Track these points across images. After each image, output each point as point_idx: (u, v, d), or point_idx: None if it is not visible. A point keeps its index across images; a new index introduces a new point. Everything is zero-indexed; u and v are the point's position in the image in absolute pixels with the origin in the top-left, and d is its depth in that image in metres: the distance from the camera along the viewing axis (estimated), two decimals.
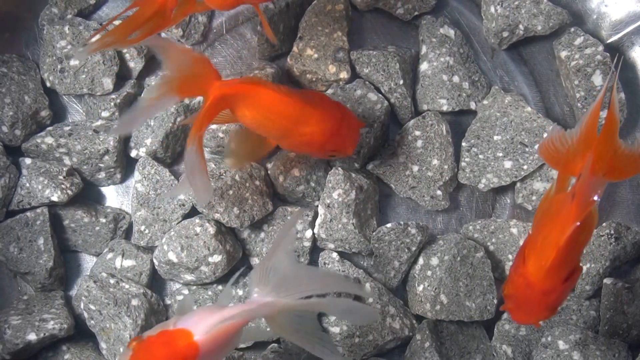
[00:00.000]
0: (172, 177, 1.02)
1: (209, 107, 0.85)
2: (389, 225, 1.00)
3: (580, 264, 0.91)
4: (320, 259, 1.01)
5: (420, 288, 1.00)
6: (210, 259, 0.97)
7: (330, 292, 0.87)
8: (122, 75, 1.05)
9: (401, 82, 1.03)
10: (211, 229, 0.98)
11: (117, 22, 0.92)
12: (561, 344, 0.97)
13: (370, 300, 0.99)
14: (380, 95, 1.03)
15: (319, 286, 0.79)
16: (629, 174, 0.82)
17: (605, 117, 0.80)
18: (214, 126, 1.01)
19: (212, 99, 0.84)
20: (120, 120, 0.98)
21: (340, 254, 1.01)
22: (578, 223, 0.73)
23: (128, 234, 1.05)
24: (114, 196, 1.06)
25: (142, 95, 1.00)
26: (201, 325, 0.74)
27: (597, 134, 0.79)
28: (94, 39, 0.88)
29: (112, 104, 1.03)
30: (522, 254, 0.79)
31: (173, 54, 0.83)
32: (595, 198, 0.74)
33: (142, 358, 0.74)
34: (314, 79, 1.05)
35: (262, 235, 1.01)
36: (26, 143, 1.02)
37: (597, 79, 1.02)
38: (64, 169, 1.00)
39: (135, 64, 1.05)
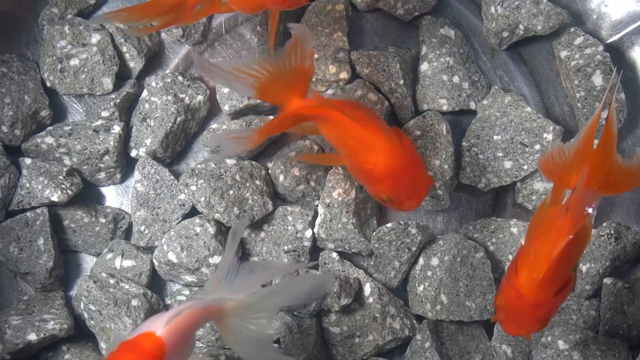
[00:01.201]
0: (172, 177, 1.02)
1: (280, 120, 0.86)
2: (389, 225, 1.00)
3: (574, 271, 0.92)
4: (320, 259, 1.01)
5: (421, 288, 1.00)
6: (210, 260, 0.97)
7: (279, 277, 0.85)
8: (122, 75, 1.05)
9: (401, 82, 1.03)
10: (211, 229, 0.98)
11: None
12: (561, 344, 0.97)
13: (319, 272, 0.99)
14: (381, 95, 1.04)
15: (265, 275, 0.79)
16: (624, 188, 0.82)
17: (603, 131, 0.79)
18: (214, 126, 1.01)
19: (284, 114, 0.86)
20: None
21: (340, 254, 1.01)
22: (571, 236, 0.73)
23: (128, 234, 1.05)
24: (114, 196, 1.06)
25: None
26: (158, 322, 0.73)
27: (593, 147, 0.78)
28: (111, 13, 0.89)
29: (112, 103, 1.03)
30: (514, 265, 0.79)
31: (285, 53, 0.83)
32: (590, 211, 0.74)
33: None
34: (314, 79, 1.05)
35: (262, 235, 1.01)
36: (26, 143, 1.02)
37: (597, 79, 1.02)
38: (64, 169, 1.00)
39: (135, 64, 1.05)
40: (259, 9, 0.90)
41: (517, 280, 0.77)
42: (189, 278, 0.99)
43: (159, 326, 0.72)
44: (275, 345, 0.96)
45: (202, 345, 0.98)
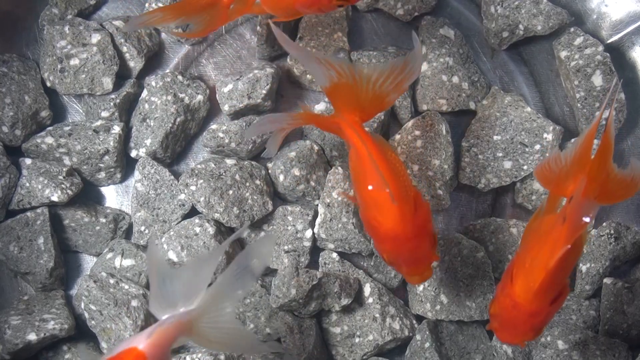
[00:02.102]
0: (172, 177, 1.02)
1: (327, 123, 0.87)
2: None
3: (569, 279, 0.92)
4: (320, 259, 1.01)
5: (421, 288, 1.00)
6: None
7: (217, 267, 0.83)
8: (122, 75, 1.05)
9: None
10: (211, 229, 0.98)
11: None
12: (561, 344, 0.97)
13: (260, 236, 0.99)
14: None
15: (206, 271, 0.78)
16: (620, 198, 0.82)
17: (600, 141, 0.79)
18: (214, 126, 1.01)
19: (334, 121, 0.85)
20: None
21: (340, 254, 1.01)
22: (568, 246, 0.72)
23: (128, 234, 1.05)
24: (114, 196, 1.06)
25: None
26: (139, 338, 0.73)
27: (590, 157, 0.78)
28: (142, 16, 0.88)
29: (111, 103, 1.03)
30: (509, 274, 0.78)
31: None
32: (587, 220, 0.74)
33: None
34: (314, 79, 1.05)
35: (262, 235, 1.01)
36: (26, 143, 1.02)
37: (597, 79, 1.02)
38: (64, 169, 1.00)
39: (135, 64, 1.05)
40: (289, 12, 0.89)
41: (513, 289, 0.77)
42: None
43: (141, 341, 0.72)
44: (248, 329, 0.96)
45: None
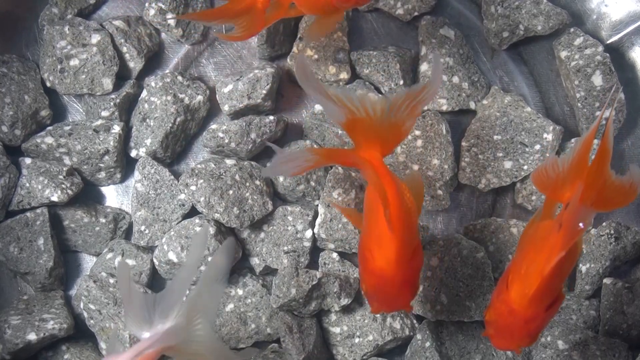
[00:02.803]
0: (172, 177, 1.01)
1: (345, 158, 0.85)
2: None
3: (565, 288, 0.91)
4: (320, 259, 1.01)
5: (421, 288, 1.00)
6: (210, 259, 0.97)
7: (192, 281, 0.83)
8: (121, 75, 1.05)
9: (401, 82, 1.03)
10: (211, 229, 0.98)
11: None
12: (561, 344, 0.97)
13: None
14: (381, 95, 1.04)
15: (182, 287, 0.78)
16: (617, 205, 0.82)
17: (598, 147, 0.79)
18: (214, 126, 1.01)
19: (352, 156, 0.83)
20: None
21: (340, 254, 1.01)
22: (564, 253, 0.72)
23: (128, 234, 1.05)
24: (114, 196, 1.06)
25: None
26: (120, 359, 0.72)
27: (588, 163, 0.78)
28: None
29: (111, 103, 1.03)
30: (505, 280, 0.78)
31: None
32: (582, 226, 0.74)
33: None
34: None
35: (262, 235, 1.01)
36: (26, 143, 1.02)
37: (597, 79, 1.02)
38: (64, 168, 1.00)
39: (135, 64, 1.05)
40: (327, 9, 0.89)
41: (508, 296, 0.77)
42: None
43: None
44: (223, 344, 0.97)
45: None
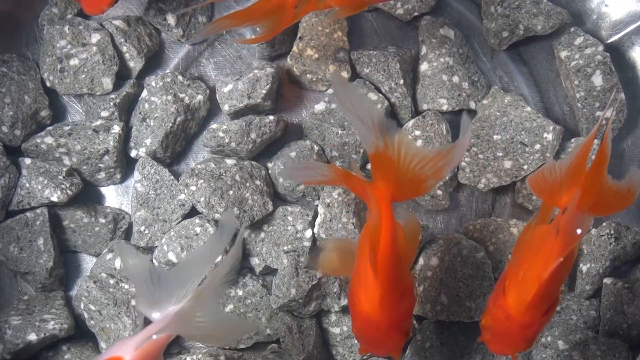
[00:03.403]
0: (172, 177, 1.01)
1: (359, 188, 0.82)
2: None
3: (563, 288, 0.91)
4: None
5: (421, 289, 1.00)
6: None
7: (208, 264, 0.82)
8: (121, 75, 1.05)
9: (401, 82, 1.03)
10: (211, 229, 0.98)
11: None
12: (561, 344, 0.97)
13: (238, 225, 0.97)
14: (381, 95, 1.04)
15: (195, 270, 0.77)
16: (614, 209, 0.81)
17: (597, 153, 0.79)
18: (214, 125, 1.01)
19: (367, 190, 0.80)
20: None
21: None
22: (562, 259, 0.72)
23: (128, 234, 1.05)
24: (114, 196, 1.06)
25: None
26: (126, 347, 0.72)
27: (586, 168, 0.78)
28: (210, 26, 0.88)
29: (111, 103, 1.03)
30: (502, 285, 0.78)
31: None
32: (579, 231, 0.73)
33: None
34: (314, 79, 1.05)
35: (262, 235, 1.01)
36: (26, 143, 1.02)
37: (597, 79, 1.02)
38: (64, 169, 1.00)
39: (134, 64, 1.05)
40: (357, 3, 0.88)
41: (505, 301, 0.76)
42: None
43: (127, 352, 0.72)
44: (234, 316, 0.97)
45: (201, 345, 0.98)
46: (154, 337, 0.73)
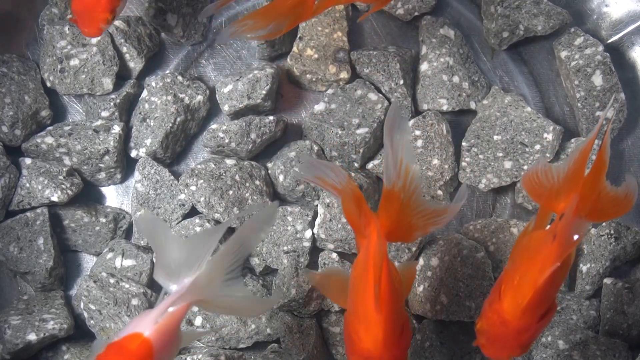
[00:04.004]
0: (172, 177, 1.02)
1: (360, 227, 0.80)
2: None
3: (563, 288, 0.90)
4: (319, 259, 1.01)
5: (421, 288, 1.00)
6: (209, 259, 0.97)
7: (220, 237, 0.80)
8: (121, 75, 1.05)
9: (401, 82, 1.03)
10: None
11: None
12: (561, 344, 0.97)
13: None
14: (381, 95, 1.04)
15: (211, 241, 0.76)
16: (612, 216, 0.81)
17: (595, 159, 0.78)
18: (214, 126, 1.01)
19: (368, 233, 0.79)
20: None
21: (339, 254, 1.01)
22: (558, 264, 0.72)
23: (128, 233, 1.05)
24: (114, 196, 1.06)
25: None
26: (144, 323, 0.72)
27: (584, 174, 0.78)
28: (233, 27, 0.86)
29: (111, 103, 1.03)
30: (498, 289, 0.78)
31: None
32: (576, 237, 0.73)
33: None
34: (314, 79, 1.05)
35: (262, 235, 1.01)
36: (26, 143, 1.02)
37: (597, 79, 1.02)
38: (64, 169, 1.00)
39: (135, 64, 1.05)
40: None
41: (501, 306, 0.76)
42: None
43: (146, 327, 0.71)
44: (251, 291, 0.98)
45: (202, 345, 0.98)
46: (171, 309, 0.73)
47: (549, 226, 0.79)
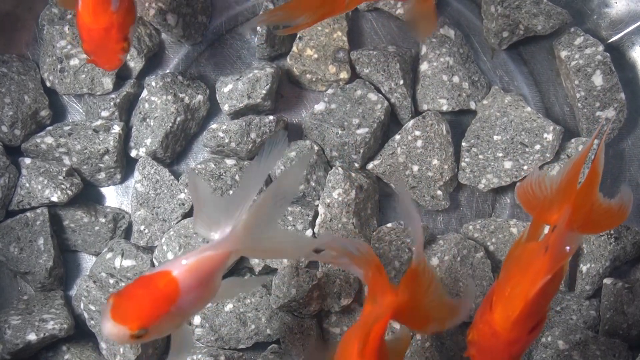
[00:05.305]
0: (172, 177, 1.01)
1: (364, 323, 0.79)
2: (389, 225, 1.00)
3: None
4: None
5: None
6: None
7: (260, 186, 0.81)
8: (121, 75, 1.05)
9: (401, 82, 1.03)
10: None
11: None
12: (561, 344, 0.97)
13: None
14: (381, 95, 1.04)
15: (251, 188, 0.77)
16: (605, 228, 0.81)
17: (589, 170, 0.78)
18: (214, 125, 1.01)
19: (374, 308, 0.79)
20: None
21: None
22: (549, 277, 0.72)
23: (128, 233, 1.05)
24: (114, 196, 1.06)
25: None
26: (177, 262, 0.72)
27: (577, 186, 0.78)
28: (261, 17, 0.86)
29: (111, 103, 1.03)
30: (489, 301, 0.78)
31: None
32: (568, 250, 0.73)
33: (123, 304, 0.71)
34: (314, 79, 1.05)
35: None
36: (26, 143, 1.02)
37: (597, 79, 1.02)
38: (64, 169, 1.00)
39: (135, 64, 1.05)
40: None
41: (492, 317, 0.76)
42: None
43: (177, 267, 0.72)
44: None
45: (201, 345, 0.98)
46: (208, 253, 0.73)
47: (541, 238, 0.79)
